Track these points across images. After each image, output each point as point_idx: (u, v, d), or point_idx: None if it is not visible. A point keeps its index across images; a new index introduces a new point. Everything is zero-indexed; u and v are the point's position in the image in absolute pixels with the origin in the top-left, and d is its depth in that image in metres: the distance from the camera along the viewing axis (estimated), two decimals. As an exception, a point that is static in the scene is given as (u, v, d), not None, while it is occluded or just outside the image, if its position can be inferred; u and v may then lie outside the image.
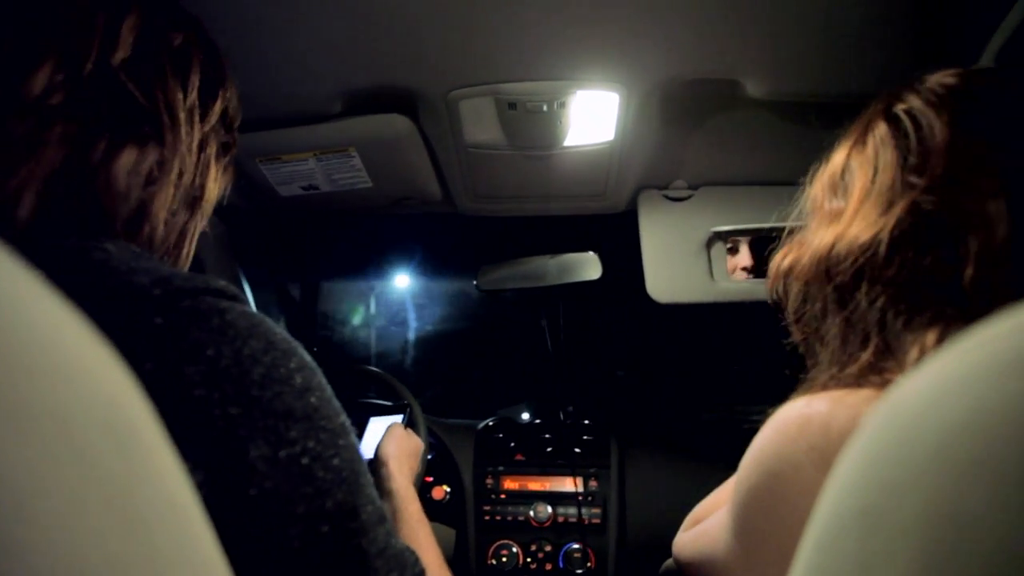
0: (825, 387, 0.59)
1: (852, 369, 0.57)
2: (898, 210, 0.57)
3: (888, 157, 0.61)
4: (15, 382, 0.21)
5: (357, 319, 2.17)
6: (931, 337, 0.53)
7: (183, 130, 0.56)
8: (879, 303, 0.57)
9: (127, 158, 0.51)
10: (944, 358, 0.26)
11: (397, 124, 1.11)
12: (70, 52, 0.48)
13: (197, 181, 0.60)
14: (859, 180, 0.63)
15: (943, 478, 0.23)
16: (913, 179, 0.57)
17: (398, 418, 1.35)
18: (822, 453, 0.51)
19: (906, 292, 0.56)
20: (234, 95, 0.65)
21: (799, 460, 0.52)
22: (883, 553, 0.25)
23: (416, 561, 0.52)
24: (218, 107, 0.62)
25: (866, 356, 0.57)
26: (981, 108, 0.58)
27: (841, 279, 0.60)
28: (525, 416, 1.77)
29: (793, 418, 0.54)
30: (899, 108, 0.62)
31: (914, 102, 0.61)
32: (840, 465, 0.29)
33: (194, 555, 0.27)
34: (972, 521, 0.22)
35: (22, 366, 0.22)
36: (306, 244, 1.79)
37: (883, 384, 0.55)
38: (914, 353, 0.53)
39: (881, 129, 0.63)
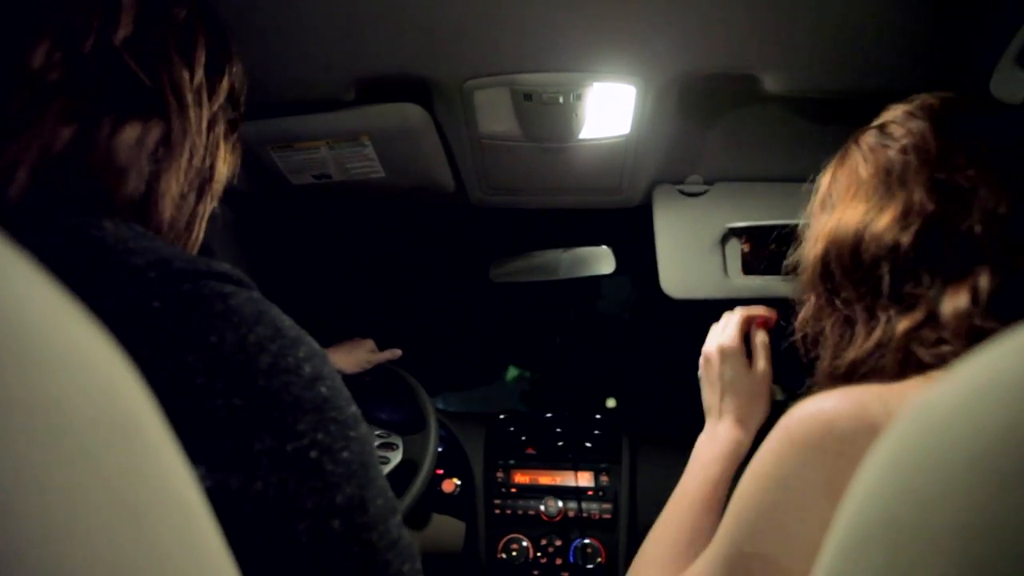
0: (834, 381, 0.59)
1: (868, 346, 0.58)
2: (905, 195, 0.60)
3: (879, 154, 0.65)
4: (7, 373, 0.20)
5: (368, 311, 2.17)
6: (964, 296, 0.54)
7: (191, 111, 0.54)
8: (893, 279, 0.59)
9: (129, 133, 0.49)
10: (978, 362, 0.25)
11: (411, 113, 1.10)
12: (69, 29, 0.47)
13: (207, 162, 0.58)
14: (846, 180, 0.67)
15: (979, 488, 0.22)
16: (911, 167, 0.61)
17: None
18: (850, 459, 0.48)
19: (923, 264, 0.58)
20: (240, 70, 0.63)
21: (827, 469, 0.49)
22: (912, 564, 0.24)
23: (418, 555, 0.49)
24: (225, 84, 0.60)
25: (874, 337, 0.58)
26: (962, 116, 0.63)
27: (864, 262, 0.62)
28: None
29: (814, 425, 0.51)
30: (882, 119, 0.68)
31: (895, 115, 0.67)
32: (865, 470, 0.28)
33: (200, 552, 0.26)
34: (1010, 534, 0.21)
35: (15, 356, 0.21)
36: (317, 234, 1.79)
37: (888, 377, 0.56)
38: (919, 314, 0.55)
39: (868, 138, 0.68)
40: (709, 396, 0.88)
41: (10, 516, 0.19)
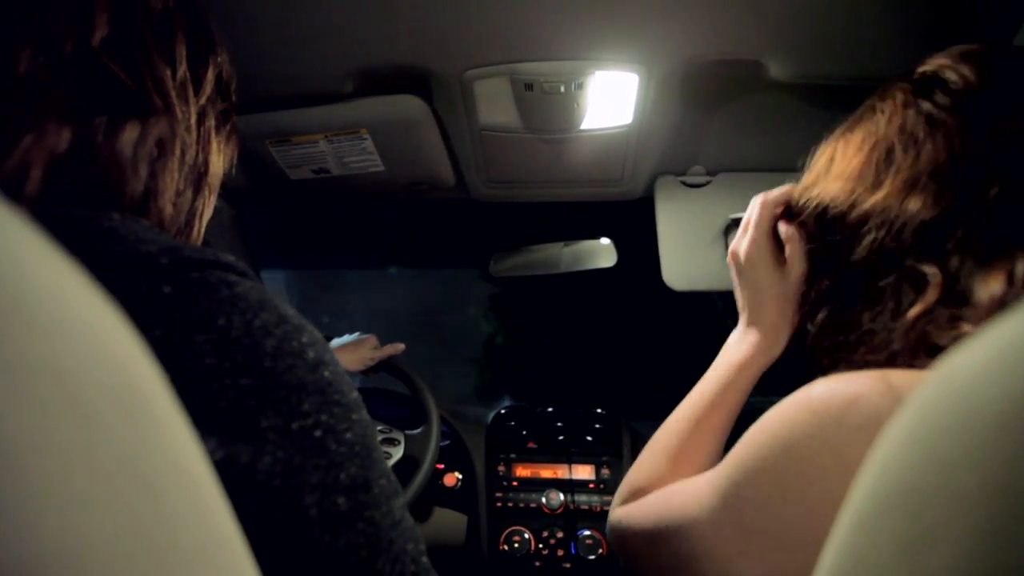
0: (865, 364, 0.57)
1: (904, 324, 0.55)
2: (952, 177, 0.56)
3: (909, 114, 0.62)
4: (13, 337, 0.20)
5: (368, 306, 2.17)
6: (999, 280, 0.51)
7: (177, 108, 0.54)
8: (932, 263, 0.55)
9: (130, 132, 0.50)
10: (1002, 327, 0.24)
11: (410, 105, 1.09)
12: (48, 33, 0.47)
13: (200, 157, 0.58)
14: (902, 153, 0.61)
15: (1005, 449, 0.22)
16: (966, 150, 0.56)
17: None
18: (870, 436, 0.45)
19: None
20: (225, 58, 0.62)
21: (841, 443, 0.47)
22: (930, 534, 0.24)
23: (421, 538, 0.50)
24: (211, 75, 0.59)
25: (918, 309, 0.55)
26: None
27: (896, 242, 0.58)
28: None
29: (836, 397, 0.49)
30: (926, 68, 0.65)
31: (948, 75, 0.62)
32: (884, 441, 0.28)
33: (212, 525, 0.26)
34: None
35: (22, 322, 0.21)
36: (316, 230, 1.78)
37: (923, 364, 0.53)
38: (985, 293, 0.51)
39: (898, 95, 0.65)
40: (738, 298, 0.81)
41: (21, 480, 0.19)
